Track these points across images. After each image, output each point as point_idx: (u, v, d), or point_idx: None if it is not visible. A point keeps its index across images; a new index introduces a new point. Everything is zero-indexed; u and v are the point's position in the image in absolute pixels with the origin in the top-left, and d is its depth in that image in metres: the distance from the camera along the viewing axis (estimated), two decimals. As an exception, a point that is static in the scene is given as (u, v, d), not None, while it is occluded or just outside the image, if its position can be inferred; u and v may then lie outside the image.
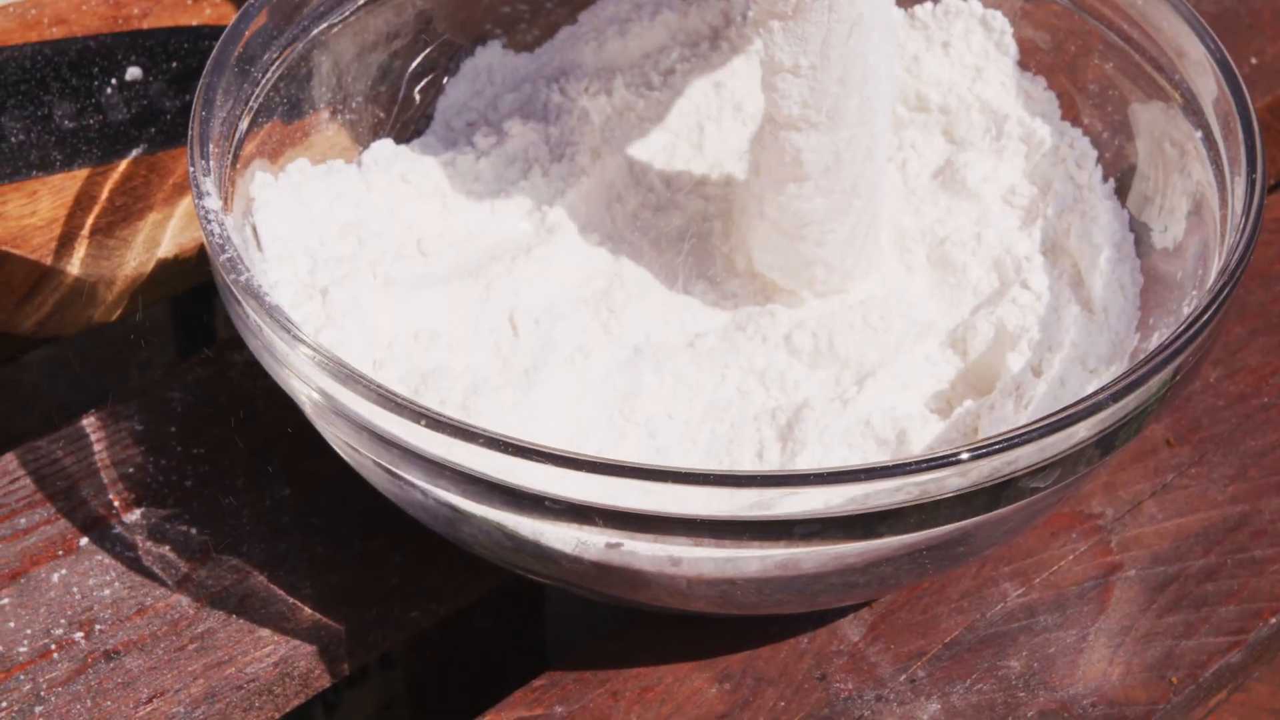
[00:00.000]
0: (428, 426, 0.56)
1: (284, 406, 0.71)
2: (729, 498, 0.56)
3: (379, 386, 0.57)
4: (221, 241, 0.61)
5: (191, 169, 0.63)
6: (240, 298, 0.60)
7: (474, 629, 0.97)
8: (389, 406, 0.57)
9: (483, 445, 0.56)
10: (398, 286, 0.68)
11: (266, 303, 0.59)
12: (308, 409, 0.60)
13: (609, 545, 0.59)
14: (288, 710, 0.66)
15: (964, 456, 0.56)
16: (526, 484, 0.57)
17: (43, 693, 0.63)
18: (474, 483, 0.57)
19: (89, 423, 0.71)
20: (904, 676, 0.65)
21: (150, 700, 0.64)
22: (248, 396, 0.72)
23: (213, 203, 0.62)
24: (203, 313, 0.88)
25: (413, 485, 0.61)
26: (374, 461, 0.60)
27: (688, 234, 0.72)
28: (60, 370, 0.91)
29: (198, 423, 0.71)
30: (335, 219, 0.69)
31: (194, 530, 0.68)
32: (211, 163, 0.63)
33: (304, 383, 0.59)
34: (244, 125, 0.67)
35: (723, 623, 0.66)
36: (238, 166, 0.66)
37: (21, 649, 0.65)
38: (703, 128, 0.76)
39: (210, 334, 0.89)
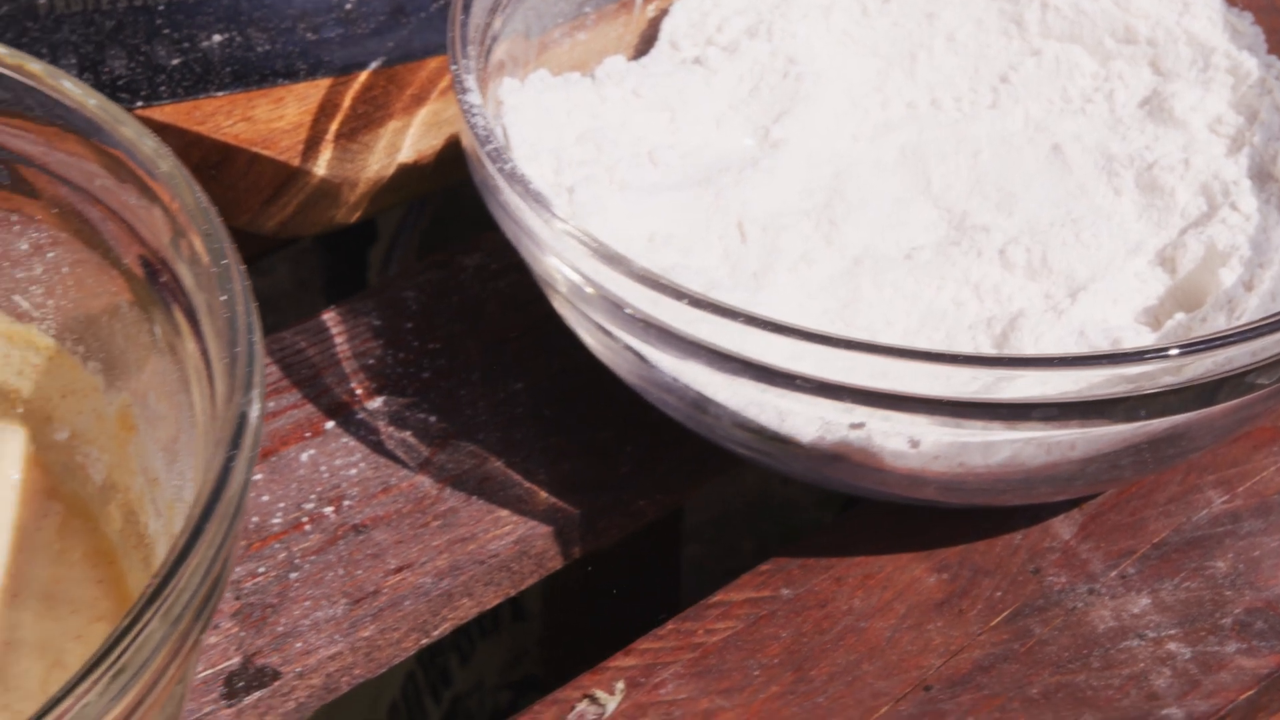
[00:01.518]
0: (690, 305, 0.60)
1: (514, 308, 0.75)
2: (971, 378, 0.59)
3: (642, 268, 0.61)
4: (485, 134, 0.64)
5: (454, 66, 0.67)
6: (505, 184, 0.63)
7: (606, 580, 1.00)
8: (653, 286, 0.60)
9: (743, 323, 0.59)
10: (633, 191, 0.71)
11: (531, 189, 0.63)
12: (564, 291, 0.63)
13: (853, 426, 0.62)
14: (522, 587, 0.69)
15: (1214, 343, 0.58)
16: (780, 363, 0.60)
17: (297, 560, 0.67)
18: (729, 361, 0.60)
19: (329, 317, 0.75)
20: (1114, 572, 0.67)
21: (399, 570, 0.67)
22: (479, 298, 0.76)
23: (474, 98, 0.66)
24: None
25: (661, 370, 0.64)
26: (625, 345, 0.64)
27: (906, 154, 0.75)
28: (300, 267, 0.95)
29: (432, 320, 0.75)
30: (573, 127, 0.73)
31: (433, 418, 0.72)
32: (471, 62, 0.67)
33: (565, 264, 0.62)
34: (494, 33, 0.70)
35: (937, 518, 0.69)
36: (488, 71, 0.70)
37: (275, 520, 0.68)
38: (915, 55, 0.79)
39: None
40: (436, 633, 0.67)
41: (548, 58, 0.74)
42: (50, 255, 0.61)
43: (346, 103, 0.77)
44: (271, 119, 0.76)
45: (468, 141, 0.65)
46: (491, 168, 0.64)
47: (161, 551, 0.58)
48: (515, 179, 0.63)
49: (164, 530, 0.58)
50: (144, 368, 0.59)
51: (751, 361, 0.60)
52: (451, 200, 1.05)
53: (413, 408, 0.72)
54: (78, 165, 0.59)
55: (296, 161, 0.75)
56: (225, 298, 0.53)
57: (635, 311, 0.61)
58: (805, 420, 0.63)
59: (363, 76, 0.77)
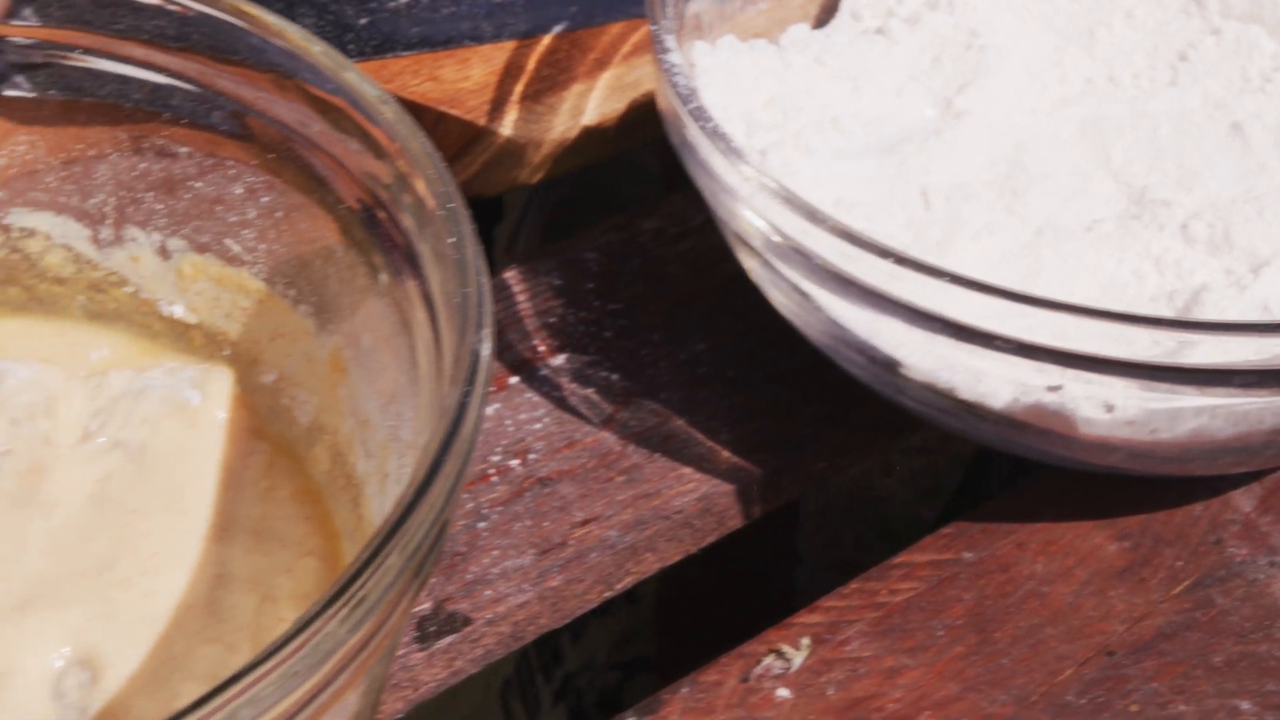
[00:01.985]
0: (896, 263, 0.60)
1: (696, 271, 0.75)
2: (1153, 342, 0.60)
3: (844, 225, 0.61)
4: (688, 93, 0.65)
5: (654, 26, 0.67)
6: (710, 140, 0.64)
7: (722, 566, 1.01)
8: (855, 242, 0.61)
9: (946, 281, 0.60)
10: (818, 156, 0.72)
11: (733, 145, 0.63)
12: (760, 247, 0.64)
13: (1050, 388, 0.62)
14: (703, 545, 0.70)
15: None
16: (979, 323, 0.60)
17: (484, 510, 0.68)
18: (927, 320, 0.61)
19: (510, 276, 0.76)
20: (1296, 546, 0.68)
21: (585, 524, 0.68)
22: (660, 261, 0.77)
23: (675, 58, 0.66)
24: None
25: (853, 330, 0.65)
26: (817, 304, 0.64)
27: (1085, 128, 0.76)
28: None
29: (613, 281, 0.76)
30: (760, 92, 0.73)
31: (615, 376, 0.73)
32: (669, 23, 0.68)
33: (764, 220, 0.63)
34: (687, -2, 0.71)
35: (1117, 487, 0.69)
36: (683, 33, 0.71)
37: (463, 471, 0.69)
38: (1093, 31, 0.79)
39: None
40: (619, 585, 0.68)
41: (734, 24, 0.75)
42: (264, 200, 0.62)
43: (531, 65, 0.78)
44: (458, 79, 0.77)
45: (667, 101, 0.66)
46: (694, 126, 0.64)
47: (372, 492, 0.59)
48: (717, 136, 0.64)
49: (375, 471, 0.59)
50: (358, 311, 0.60)
51: (951, 320, 0.61)
52: (579, 182, 1.06)
53: (595, 365, 0.73)
54: (297, 111, 0.60)
55: (483, 121, 0.76)
56: (453, 240, 0.54)
57: (834, 268, 0.62)
58: (1000, 383, 0.63)
59: (546, 40, 0.78)
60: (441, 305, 0.54)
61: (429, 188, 0.55)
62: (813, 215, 0.62)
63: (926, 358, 0.64)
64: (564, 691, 1.19)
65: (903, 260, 0.60)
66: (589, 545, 0.67)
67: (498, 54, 0.78)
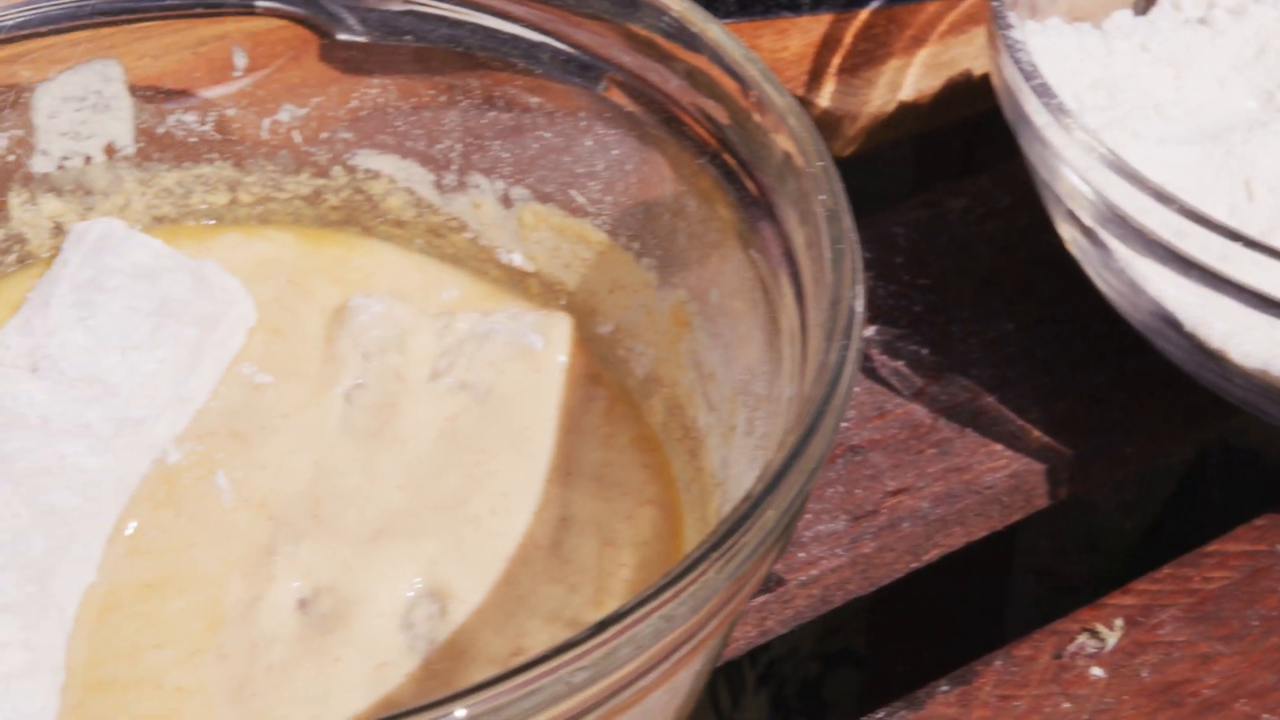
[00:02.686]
0: (1236, 242, 0.60)
1: (1004, 251, 0.76)
2: None
3: (1187, 202, 0.61)
4: (1030, 69, 0.65)
5: (996, 3, 0.68)
6: (1054, 118, 0.64)
7: (939, 573, 1.01)
8: (1196, 220, 0.61)
9: (1299, 265, 0.60)
10: (1144, 141, 0.72)
11: (1080, 123, 0.64)
12: (1093, 222, 0.64)
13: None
14: (1009, 522, 0.70)
15: None
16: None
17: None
18: (1265, 303, 0.61)
19: (819, 246, 0.76)
20: None
21: (896, 494, 0.68)
22: (967, 240, 0.77)
23: (1018, 34, 0.67)
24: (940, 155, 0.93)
25: (1180, 315, 0.64)
26: (1144, 286, 0.64)
27: None
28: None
29: (922, 257, 0.76)
30: (1086, 74, 0.73)
31: (924, 350, 0.73)
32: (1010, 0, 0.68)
33: (1099, 194, 0.63)
34: (1020, -24, 0.71)
35: None
36: (1016, 11, 0.71)
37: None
38: None
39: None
40: (926, 557, 0.68)
41: (1062, 6, 0.75)
42: (614, 153, 0.63)
43: (848, 39, 0.78)
44: (776, 49, 0.77)
45: (1007, 75, 0.66)
46: (1037, 102, 0.64)
47: (714, 444, 0.60)
48: (1060, 111, 0.64)
49: (719, 424, 0.59)
50: (706, 265, 0.60)
51: (1298, 305, 0.61)
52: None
53: (905, 339, 0.73)
54: (656, 67, 0.61)
55: (800, 92, 0.76)
56: (824, 196, 0.54)
57: (1170, 245, 0.62)
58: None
59: (863, 14, 0.79)
60: (806, 261, 0.55)
61: (796, 145, 0.56)
62: (1160, 195, 0.62)
63: (1260, 344, 0.64)
64: (767, 677, 1.19)
65: (1243, 240, 0.60)
66: (900, 514, 0.68)
67: (816, 26, 0.78)
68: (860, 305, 0.52)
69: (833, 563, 0.66)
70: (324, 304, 0.64)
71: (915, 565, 0.68)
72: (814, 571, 0.66)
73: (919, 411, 0.71)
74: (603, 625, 0.45)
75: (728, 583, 0.47)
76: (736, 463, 0.57)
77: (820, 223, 0.54)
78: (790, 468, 0.48)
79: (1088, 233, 0.66)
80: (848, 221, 0.53)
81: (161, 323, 0.61)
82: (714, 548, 0.47)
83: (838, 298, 0.52)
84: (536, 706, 0.44)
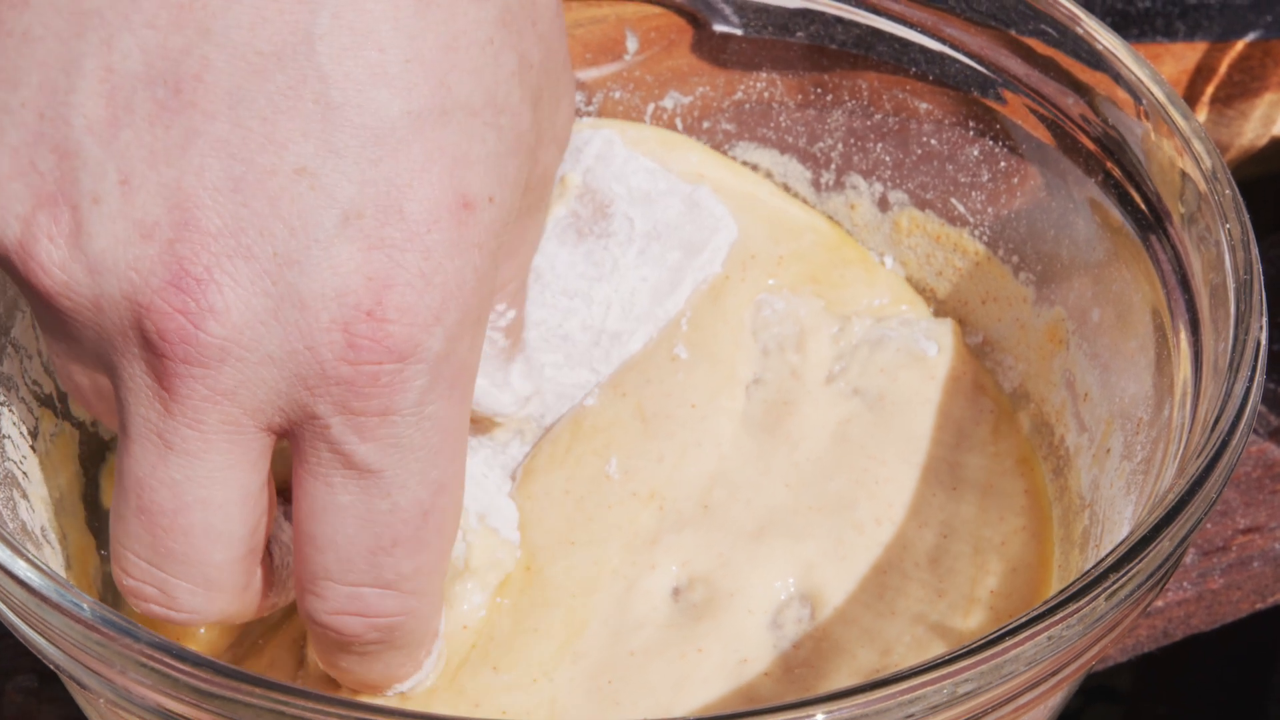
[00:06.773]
0: None
1: None
2: None
3: None
4: None
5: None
6: None
7: (1201, 668, 0.98)
8: None
9: None
10: None
11: None
12: None
13: None
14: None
15: None
16: None
17: (1146, 503, 0.68)
18: None
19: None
20: None
21: (1247, 532, 0.67)
22: (1330, 280, 0.75)
23: None
24: None
25: None
26: None
27: None
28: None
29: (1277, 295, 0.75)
30: None
31: (1281, 389, 0.72)
32: None
33: None
34: None
35: None
36: None
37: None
38: None
39: None
40: (1272, 599, 0.67)
41: None
42: (1001, 165, 0.63)
43: (1223, 69, 0.77)
44: (1149, 73, 0.76)
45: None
46: None
47: (1083, 464, 0.59)
48: None
49: (1090, 444, 0.59)
50: (1089, 284, 0.60)
51: None
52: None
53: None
54: (1052, 83, 0.60)
55: (1172, 118, 0.75)
56: (1230, 224, 0.54)
57: None
58: None
59: (1239, 46, 0.77)
60: (1202, 287, 0.54)
61: (1200, 170, 0.55)
62: None
63: None
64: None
65: None
66: (1250, 553, 0.67)
67: (1189, 54, 0.77)
68: (1265, 337, 0.51)
69: (1178, 596, 0.65)
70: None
71: (1261, 606, 0.67)
72: (1159, 604, 0.65)
73: (1274, 451, 0.70)
74: (995, 638, 0.45)
75: (1116, 609, 0.47)
76: (1109, 485, 0.57)
77: (1224, 250, 0.53)
78: (1191, 498, 0.48)
79: None
80: (1254, 250, 0.53)
81: (648, 245, 0.62)
82: (1109, 572, 0.47)
83: (1244, 328, 0.51)
84: (920, 714, 0.44)
